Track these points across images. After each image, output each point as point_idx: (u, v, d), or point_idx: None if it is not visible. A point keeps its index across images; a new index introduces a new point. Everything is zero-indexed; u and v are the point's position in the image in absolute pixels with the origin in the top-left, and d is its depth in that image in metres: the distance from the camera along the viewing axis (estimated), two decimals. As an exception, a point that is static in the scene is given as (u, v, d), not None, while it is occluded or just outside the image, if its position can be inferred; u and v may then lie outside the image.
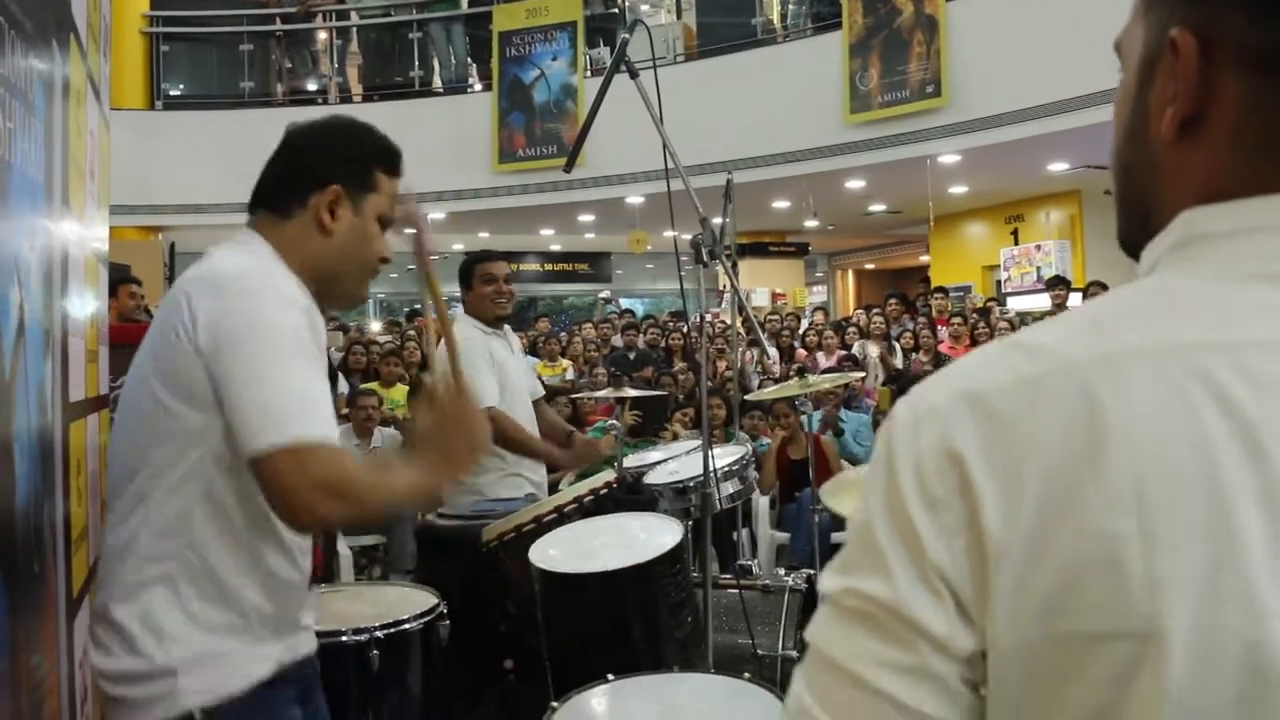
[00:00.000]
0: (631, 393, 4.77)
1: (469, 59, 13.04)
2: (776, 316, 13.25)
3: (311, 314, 1.77)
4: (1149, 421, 0.63)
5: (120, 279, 6.39)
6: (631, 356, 11.56)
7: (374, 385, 8.38)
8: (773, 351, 11.22)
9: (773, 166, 11.49)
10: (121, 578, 1.75)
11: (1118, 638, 0.62)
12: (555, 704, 2.02)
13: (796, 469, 6.69)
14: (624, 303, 21.47)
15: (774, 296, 15.83)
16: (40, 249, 2.05)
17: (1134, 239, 0.77)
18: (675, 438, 6.97)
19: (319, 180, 1.88)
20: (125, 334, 5.07)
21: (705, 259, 3.44)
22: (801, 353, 11.47)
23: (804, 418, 6.50)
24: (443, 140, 12.39)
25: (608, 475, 3.21)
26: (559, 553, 2.60)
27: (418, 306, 22.49)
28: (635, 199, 12.27)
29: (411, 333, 10.93)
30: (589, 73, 12.06)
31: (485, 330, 4.10)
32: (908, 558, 0.68)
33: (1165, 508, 0.62)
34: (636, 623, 2.50)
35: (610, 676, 2.11)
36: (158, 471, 1.73)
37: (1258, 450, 0.61)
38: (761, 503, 6.75)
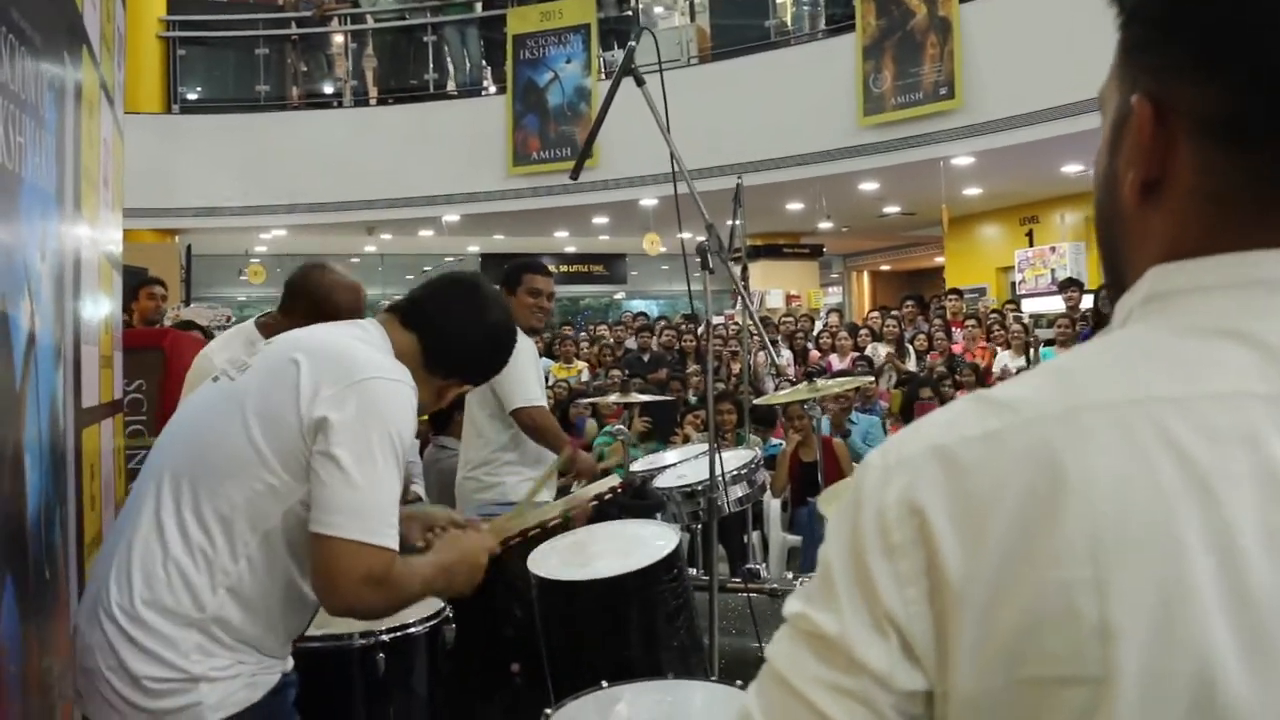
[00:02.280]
0: (639, 398, 4.79)
1: (483, 62, 13.08)
2: (790, 318, 13.25)
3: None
4: (1105, 473, 0.66)
5: (141, 281, 6.42)
6: (645, 359, 11.58)
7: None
8: (785, 354, 11.23)
9: (786, 169, 11.49)
10: (150, 592, 1.77)
11: (1074, 683, 0.65)
12: (549, 711, 2.04)
13: (808, 472, 6.69)
14: (638, 304, 21.54)
15: (788, 298, 15.82)
16: (51, 258, 2.09)
17: (1112, 289, 0.81)
18: (686, 441, 6.99)
19: (454, 370, 2.09)
20: (145, 338, 5.12)
21: (710, 265, 3.46)
22: (815, 354, 11.46)
23: (814, 421, 6.51)
24: (457, 143, 12.43)
25: (614, 480, 3.22)
26: (557, 559, 2.62)
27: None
28: (648, 201, 12.28)
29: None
30: (603, 75, 12.08)
31: (525, 336, 4.17)
32: (859, 601, 0.71)
33: (1118, 557, 0.64)
34: (633, 630, 2.51)
35: (604, 684, 2.13)
36: (226, 513, 1.80)
37: (1209, 498, 0.64)
38: (773, 506, 6.76)
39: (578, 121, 12.19)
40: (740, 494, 4.20)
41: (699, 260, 3.45)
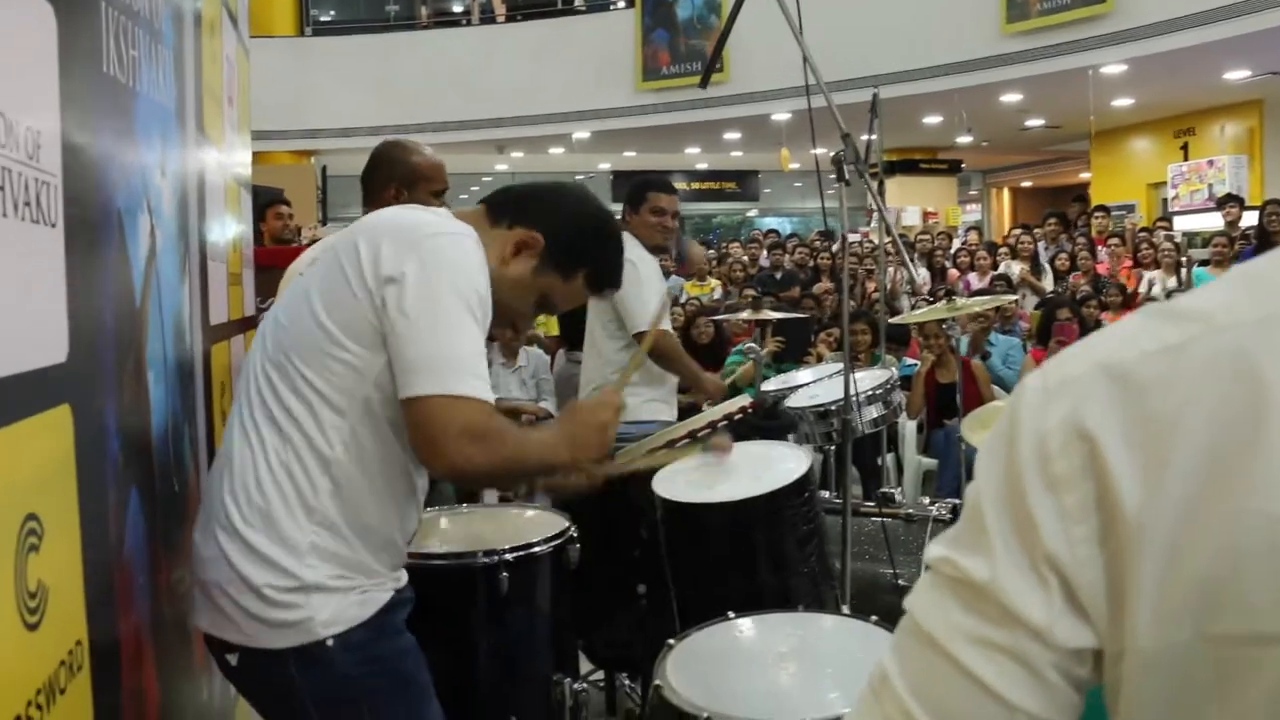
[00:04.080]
0: (772, 315, 4.67)
1: (612, -26, 12.90)
2: (927, 236, 12.85)
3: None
4: None
5: (268, 201, 6.48)
6: (778, 276, 11.40)
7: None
8: (922, 272, 10.91)
9: (924, 80, 11.06)
10: (262, 499, 1.74)
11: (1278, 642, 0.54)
12: (672, 641, 1.98)
13: (945, 394, 6.48)
14: (771, 221, 21.12)
15: (925, 215, 15.34)
16: (173, 175, 2.07)
17: None
18: (819, 360, 6.84)
19: (536, 223, 1.91)
20: (275, 256, 5.19)
21: (847, 176, 3.32)
22: (953, 273, 11.11)
23: (952, 341, 6.30)
24: (586, 59, 12.31)
25: (744, 399, 3.13)
26: (683, 481, 2.55)
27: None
28: (781, 115, 11.99)
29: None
30: (733, -15, 11.76)
31: (650, 255, 4.08)
32: (1016, 543, 0.62)
33: None
34: (762, 555, 2.43)
35: (730, 614, 2.05)
36: (311, 399, 1.73)
37: None
38: (909, 427, 6.59)
39: (707, 35, 11.91)
40: (875, 415, 4.08)
41: (833, 174, 3.32)
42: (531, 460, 1.80)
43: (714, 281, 11.49)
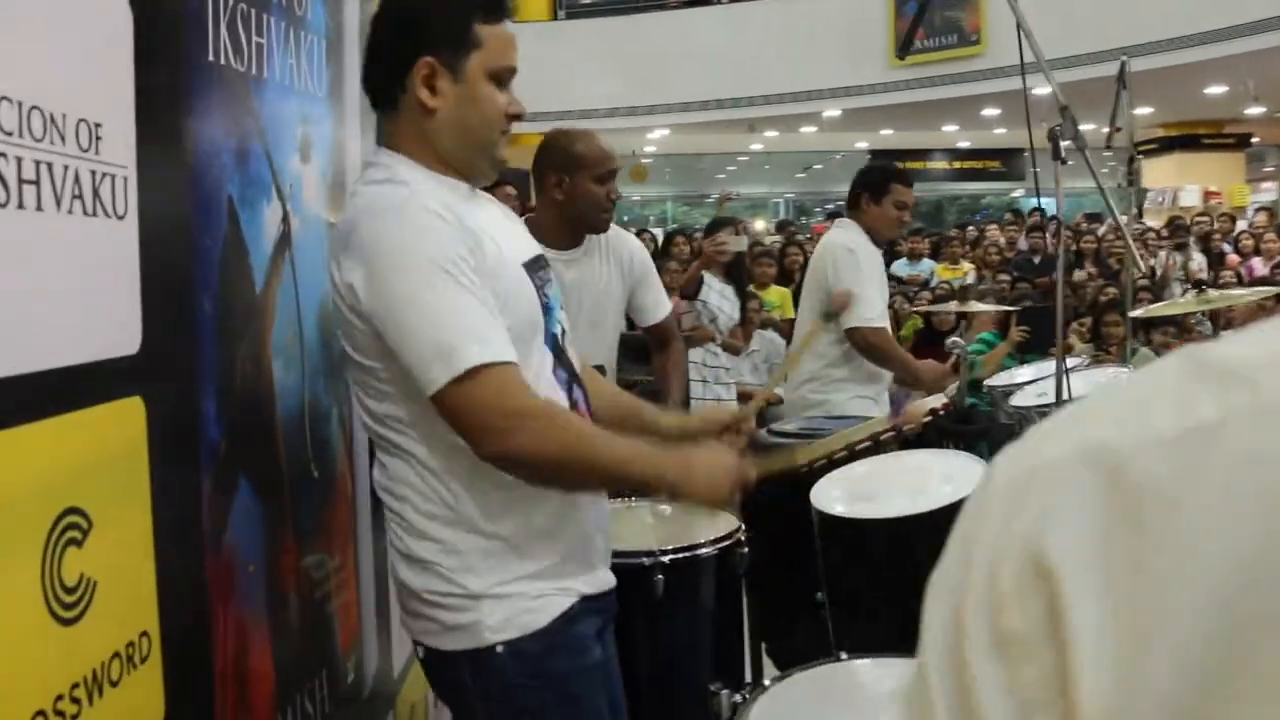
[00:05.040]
0: (984, 307, 4.36)
1: (866, -52, 12.49)
2: (1206, 218, 11.80)
3: (463, 219, 1.62)
4: None
5: (498, 181, 6.61)
6: (1037, 261, 10.78)
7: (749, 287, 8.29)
8: (1198, 258, 10.04)
9: (1205, 46, 10.12)
10: (404, 516, 1.71)
11: None
12: (767, 682, 1.81)
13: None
14: (1038, 202, 20.02)
15: (1206, 195, 14.12)
16: (320, 159, 2.08)
17: None
18: (1069, 352, 6.39)
19: (410, 56, 1.65)
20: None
21: (1062, 155, 3.05)
22: (1233, 259, 10.16)
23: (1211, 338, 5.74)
24: (835, 33, 11.99)
25: (938, 399, 2.90)
26: (842, 491, 2.36)
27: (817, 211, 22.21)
28: (1042, 90, 11.30)
29: (800, 238, 10.72)
30: (988, -46, 11.13)
31: (872, 248, 3.89)
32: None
33: None
34: (923, 579, 2.21)
35: (842, 655, 1.85)
36: (388, 421, 1.68)
37: None
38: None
39: (964, 5, 11.35)
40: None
41: (1050, 151, 3.06)
42: (601, 459, 1.63)
43: (967, 265, 10.97)
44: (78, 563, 1.18)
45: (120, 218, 1.28)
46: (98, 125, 1.22)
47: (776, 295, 8.13)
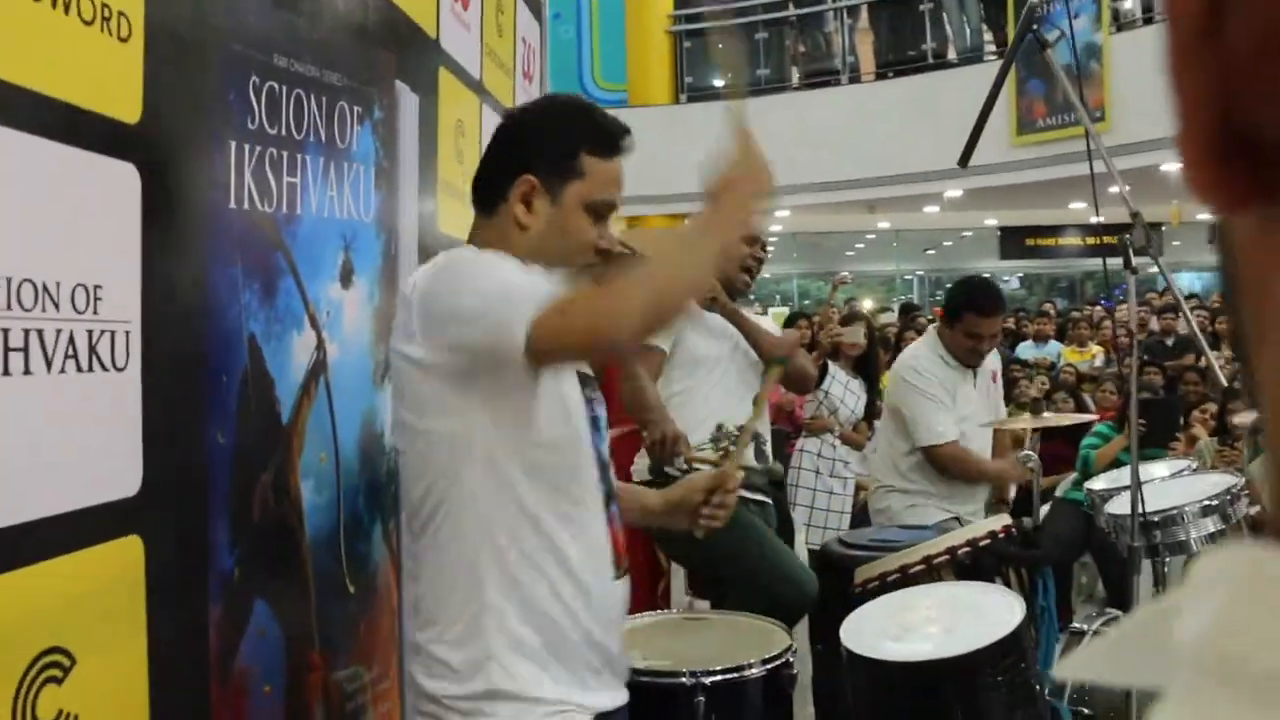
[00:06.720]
0: (1067, 419, 4.19)
1: (983, 25, 12.38)
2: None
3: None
4: None
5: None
6: (1169, 343, 10.40)
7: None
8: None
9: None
10: (425, 606, 1.73)
11: None
12: None
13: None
14: (1182, 278, 19.31)
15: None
16: (364, 284, 2.16)
17: None
18: (1191, 445, 6.12)
19: (515, 171, 1.75)
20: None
21: (1133, 265, 2.98)
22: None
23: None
24: (959, 114, 11.76)
25: (1000, 521, 2.78)
26: (874, 625, 2.28)
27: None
28: (1170, 166, 10.97)
29: (922, 320, 10.55)
30: (1115, 28, 10.93)
31: (949, 364, 3.81)
32: None
33: None
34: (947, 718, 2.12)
35: None
36: (434, 500, 1.69)
37: None
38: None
39: (1088, 82, 11.14)
40: (1211, 529, 3.53)
41: (1122, 261, 3.00)
42: (669, 263, 1.64)
43: (1096, 348, 10.63)
44: (54, 700, 1.24)
45: (120, 369, 1.36)
46: (97, 287, 1.31)
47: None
